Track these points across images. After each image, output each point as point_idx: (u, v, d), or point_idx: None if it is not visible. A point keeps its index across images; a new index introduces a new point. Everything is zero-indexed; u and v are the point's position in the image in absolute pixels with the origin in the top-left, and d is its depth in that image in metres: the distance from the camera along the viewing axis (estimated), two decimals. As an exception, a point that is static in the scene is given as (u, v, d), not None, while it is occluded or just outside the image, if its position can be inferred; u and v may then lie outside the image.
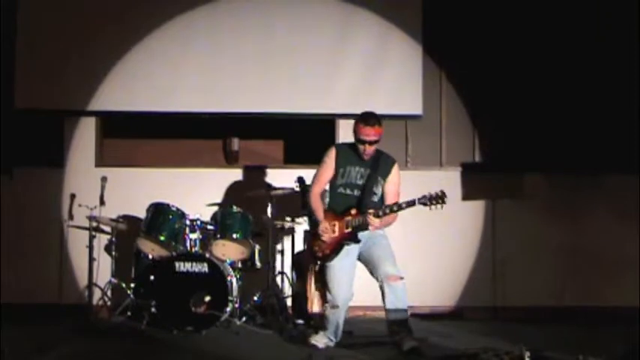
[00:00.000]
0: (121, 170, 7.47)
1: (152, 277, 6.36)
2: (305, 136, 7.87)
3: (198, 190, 7.31)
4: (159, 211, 6.62)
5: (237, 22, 7.57)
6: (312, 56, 7.58)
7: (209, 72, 7.53)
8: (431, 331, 6.12)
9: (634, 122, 7.55)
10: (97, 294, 6.86)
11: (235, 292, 6.43)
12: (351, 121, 7.54)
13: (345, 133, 7.64)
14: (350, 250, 5.52)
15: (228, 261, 6.65)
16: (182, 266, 6.33)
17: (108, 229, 6.99)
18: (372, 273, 5.51)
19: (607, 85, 7.64)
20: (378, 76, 7.59)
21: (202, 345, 5.80)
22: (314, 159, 7.66)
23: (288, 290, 7.13)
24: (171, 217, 6.61)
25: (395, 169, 5.69)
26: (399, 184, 5.70)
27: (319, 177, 5.73)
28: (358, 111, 7.54)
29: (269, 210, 6.83)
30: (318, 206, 5.65)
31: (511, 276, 7.54)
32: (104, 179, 6.85)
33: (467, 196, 7.60)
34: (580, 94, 7.65)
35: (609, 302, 7.38)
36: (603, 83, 7.64)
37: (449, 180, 7.59)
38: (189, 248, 6.59)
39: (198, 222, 6.65)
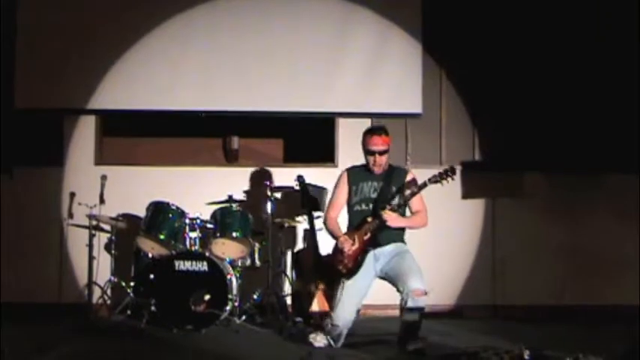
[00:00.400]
0: (121, 169, 7.47)
1: (152, 276, 6.36)
2: (305, 134, 7.88)
3: (198, 189, 7.31)
4: (159, 210, 6.63)
5: (237, 21, 7.57)
6: (312, 55, 7.58)
7: (209, 70, 7.53)
8: (431, 330, 6.09)
9: (634, 121, 7.55)
10: (96, 293, 6.86)
11: (235, 290, 6.43)
12: (351, 120, 7.65)
13: (344, 131, 7.67)
14: (368, 270, 5.46)
15: (227, 259, 6.66)
16: (182, 265, 6.32)
17: (108, 227, 6.99)
18: (397, 287, 5.41)
19: (607, 84, 7.64)
20: (378, 75, 7.59)
21: (202, 344, 5.79)
22: (314, 157, 7.72)
23: (287, 289, 7.13)
24: (171, 215, 6.61)
25: (409, 178, 5.58)
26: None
27: (334, 201, 5.74)
28: (358, 110, 7.59)
29: (269, 208, 6.83)
30: (335, 227, 5.65)
31: (511, 275, 7.54)
32: (104, 178, 6.86)
33: (467, 194, 7.60)
34: (580, 93, 7.65)
35: (609, 301, 7.39)
36: (603, 82, 7.64)
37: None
38: (188, 247, 6.59)
39: (198, 220, 6.65)
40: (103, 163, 7.54)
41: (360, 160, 6.85)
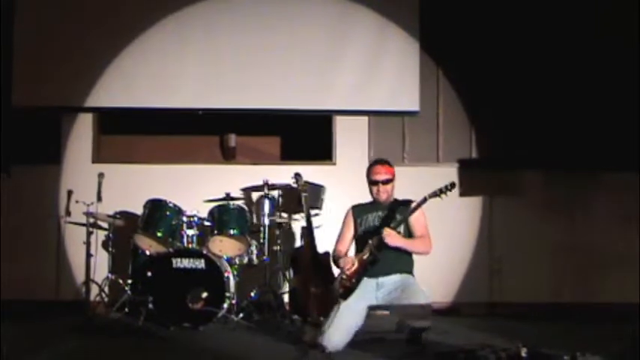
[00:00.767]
0: (118, 166, 7.47)
1: (149, 274, 6.36)
2: (302, 132, 7.88)
3: (196, 187, 7.31)
4: (156, 208, 6.63)
5: (234, 19, 7.56)
6: (310, 52, 7.58)
7: (206, 68, 7.52)
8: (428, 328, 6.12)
9: (632, 119, 7.55)
10: (94, 290, 6.86)
11: (232, 288, 6.43)
12: (348, 118, 7.65)
13: (341, 129, 7.67)
14: (368, 296, 5.39)
15: (225, 257, 6.66)
16: (179, 262, 6.32)
17: (105, 225, 6.99)
18: (400, 315, 5.33)
19: (606, 82, 7.64)
20: (375, 73, 7.59)
21: (199, 341, 5.80)
22: (311, 155, 7.71)
23: (285, 286, 7.13)
24: (168, 213, 6.61)
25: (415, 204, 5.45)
26: (423, 218, 5.54)
27: (341, 235, 5.73)
28: (355, 107, 7.58)
29: (266, 206, 6.83)
30: (341, 256, 5.61)
31: (508, 272, 7.54)
32: (101, 175, 6.84)
33: (464, 192, 7.60)
34: (578, 91, 7.65)
35: (607, 299, 7.39)
36: (602, 80, 7.64)
37: (446, 176, 7.52)
38: (186, 244, 6.59)
39: (196, 218, 6.66)
40: (101, 161, 7.55)
41: (355, 155, 6.86)
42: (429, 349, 5.32)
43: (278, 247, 7.00)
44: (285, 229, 7.17)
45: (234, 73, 7.52)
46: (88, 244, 6.81)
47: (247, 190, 7.40)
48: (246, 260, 6.79)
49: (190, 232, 6.63)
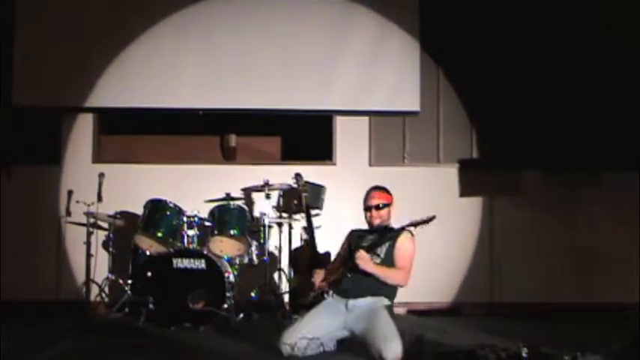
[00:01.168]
0: (119, 167, 7.47)
1: (150, 274, 6.36)
2: (302, 132, 7.88)
3: (196, 187, 7.31)
4: (156, 208, 6.63)
5: (235, 19, 7.57)
6: (310, 53, 7.59)
7: (206, 68, 7.53)
8: (428, 328, 6.12)
9: (632, 119, 7.56)
10: (94, 290, 6.88)
11: (233, 288, 6.43)
12: (349, 118, 7.66)
13: (342, 129, 7.68)
14: (336, 316, 5.23)
15: (225, 257, 6.66)
16: (180, 263, 6.33)
17: (105, 225, 7.00)
18: (369, 350, 5.03)
19: (605, 82, 7.64)
20: (376, 73, 7.60)
21: (200, 341, 5.80)
22: (311, 155, 7.71)
23: (285, 286, 7.13)
24: (168, 213, 6.61)
25: (405, 235, 5.33)
26: (410, 251, 5.34)
27: (336, 257, 5.68)
28: (356, 107, 7.58)
29: (267, 206, 6.83)
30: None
31: (508, 272, 7.54)
32: (101, 176, 6.85)
33: (464, 192, 7.60)
34: (578, 91, 7.65)
35: (607, 299, 7.39)
36: (601, 80, 7.64)
37: (446, 176, 7.62)
38: (186, 244, 6.59)
39: (196, 218, 6.66)
40: (101, 161, 7.55)
41: (356, 156, 6.85)
42: (429, 349, 5.32)
43: (278, 247, 7.00)
44: (285, 229, 7.16)
45: (234, 73, 7.52)
46: (88, 244, 6.83)
47: (247, 190, 7.40)
48: (246, 260, 6.79)
49: (191, 232, 6.63)
